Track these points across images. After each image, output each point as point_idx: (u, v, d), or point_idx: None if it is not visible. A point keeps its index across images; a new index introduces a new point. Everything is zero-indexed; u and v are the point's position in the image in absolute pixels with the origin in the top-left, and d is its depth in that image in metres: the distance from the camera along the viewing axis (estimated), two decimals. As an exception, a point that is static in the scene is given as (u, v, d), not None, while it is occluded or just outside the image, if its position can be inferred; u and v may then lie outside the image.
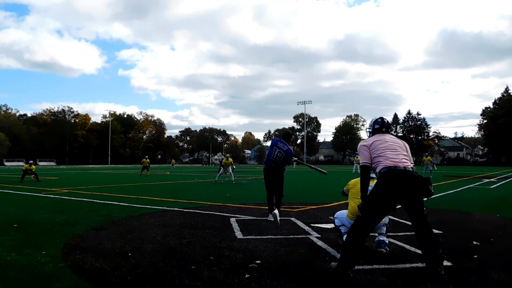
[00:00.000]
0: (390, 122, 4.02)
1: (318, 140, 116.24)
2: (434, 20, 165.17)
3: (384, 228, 4.37)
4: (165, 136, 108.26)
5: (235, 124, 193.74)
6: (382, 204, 3.52)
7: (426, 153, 25.79)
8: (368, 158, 3.67)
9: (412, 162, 3.77)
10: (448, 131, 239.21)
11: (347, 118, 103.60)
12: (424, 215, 3.52)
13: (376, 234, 4.43)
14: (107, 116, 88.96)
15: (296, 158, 7.37)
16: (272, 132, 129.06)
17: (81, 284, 3.24)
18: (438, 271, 3.40)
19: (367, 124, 4.22)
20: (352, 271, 3.47)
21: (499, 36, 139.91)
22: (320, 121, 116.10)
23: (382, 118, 4.03)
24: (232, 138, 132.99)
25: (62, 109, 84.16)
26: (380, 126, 3.96)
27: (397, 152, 3.66)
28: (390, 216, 6.72)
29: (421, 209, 3.51)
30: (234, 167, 18.40)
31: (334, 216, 4.75)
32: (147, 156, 26.05)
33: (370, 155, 3.69)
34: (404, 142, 3.91)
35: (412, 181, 3.49)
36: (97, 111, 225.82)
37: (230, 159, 18.44)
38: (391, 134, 4.09)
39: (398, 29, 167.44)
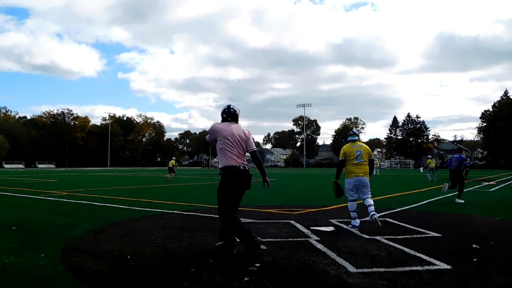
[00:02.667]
0: (238, 110, 4.57)
1: (318, 143, 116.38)
2: (431, 24, 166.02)
3: (371, 208, 5.85)
4: (165, 138, 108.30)
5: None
6: (231, 195, 4.32)
7: (430, 156, 25.46)
8: (214, 140, 4.41)
9: (254, 148, 4.55)
10: (447, 134, 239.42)
11: (347, 121, 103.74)
12: None
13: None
14: (107, 118, 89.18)
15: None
16: (271, 135, 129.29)
17: (80, 287, 3.24)
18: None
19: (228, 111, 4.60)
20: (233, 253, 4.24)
21: (496, 40, 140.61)
22: (320, 124, 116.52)
23: (229, 107, 4.55)
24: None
25: (62, 112, 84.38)
26: (227, 116, 4.53)
27: (241, 151, 4.36)
28: (389, 219, 6.74)
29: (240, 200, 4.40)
30: None
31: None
32: (174, 158, 25.63)
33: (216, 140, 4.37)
34: (248, 130, 4.53)
35: (248, 178, 4.34)
36: (97, 113, 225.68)
37: None
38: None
39: (396, 33, 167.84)
